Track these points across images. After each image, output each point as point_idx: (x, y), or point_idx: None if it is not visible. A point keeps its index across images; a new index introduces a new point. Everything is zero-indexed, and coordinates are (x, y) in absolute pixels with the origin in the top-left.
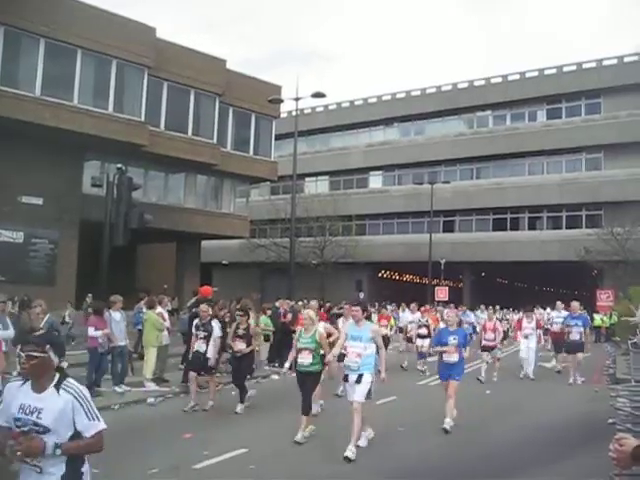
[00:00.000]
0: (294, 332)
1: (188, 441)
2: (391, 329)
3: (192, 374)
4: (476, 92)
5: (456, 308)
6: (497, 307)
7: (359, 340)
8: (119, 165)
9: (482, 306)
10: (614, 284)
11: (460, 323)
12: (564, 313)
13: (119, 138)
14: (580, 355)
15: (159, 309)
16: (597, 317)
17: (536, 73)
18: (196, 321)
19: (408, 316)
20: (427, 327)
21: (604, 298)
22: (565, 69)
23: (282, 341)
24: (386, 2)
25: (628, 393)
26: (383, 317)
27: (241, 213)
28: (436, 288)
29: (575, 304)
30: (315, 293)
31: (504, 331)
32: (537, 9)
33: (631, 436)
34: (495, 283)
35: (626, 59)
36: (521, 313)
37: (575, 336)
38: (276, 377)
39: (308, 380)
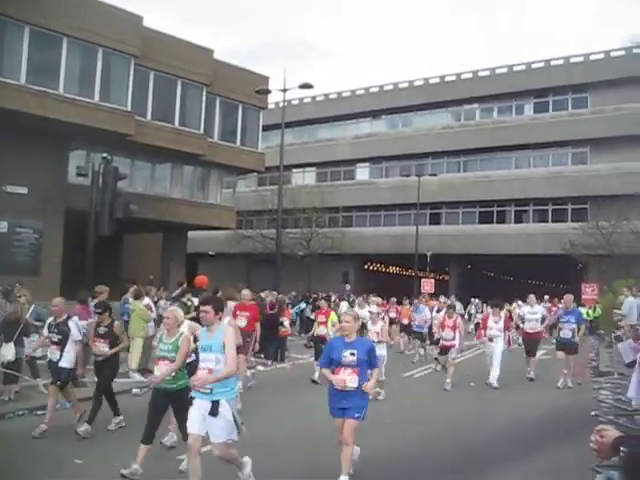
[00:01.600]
0: (281, 324)
1: (173, 431)
2: (333, 326)
3: (51, 387)
4: (463, 85)
5: (430, 299)
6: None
7: (209, 350)
8: (105, 155)
9: (476, 300)
10: (599, 278)
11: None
12: (538, 308)
13: (105, 127)
14: (571, 357)
15: (146, 300)
16: (582, 310)
17: (524, 67)
18: (50, 320)
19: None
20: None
21: (589, 291)
22: (553, 63)
23: (268, 333)
24: None
25: (611, 385)
26: (321, 312)
27: (228, 204)
28: (422, 280)
29: (569, 297)
30: (302, 284)
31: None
32: (526, 4)
33: (612, 427)
34: (481, 276)
35: (613, 54)
36: (488, 308)
37: (566, 333)
38: (261, 368)
39: (167, 402)
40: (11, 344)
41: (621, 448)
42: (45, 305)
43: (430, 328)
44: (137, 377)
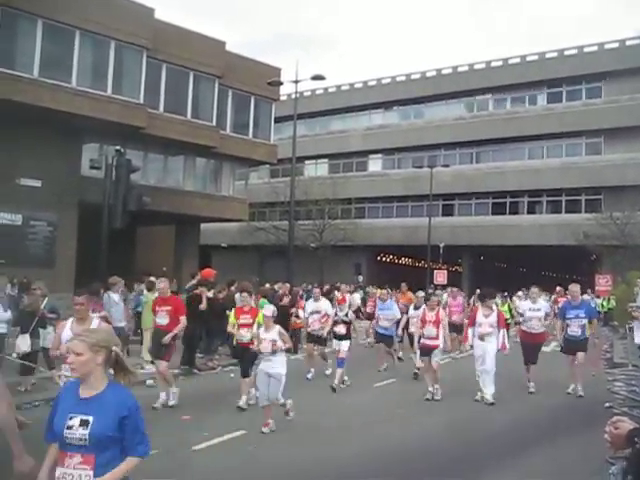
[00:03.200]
0: (296, 315)
1: (187, 423)
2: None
3: None
4: (476, 75)
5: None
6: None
7: None
8: (118, 147)
9: (479, 290)
10: (613, 269)
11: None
12: (541, 303)
13: (118, 120)
14: (581, 355)
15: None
16: (597, 301)
17: (537, 57)
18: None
19: (309, 305)
20: (347, 324)
21: (603, 283)
22: (566, 53)
23: (280, 324)
24: None
25: (625, 377)
26: (243, 311)
27: (240, 196)
28: (435, 272)
29: (574, 288)
30: (314, 276)
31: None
32: None
33: (627, 419)
34: (494, 267)
35: (628, 42)
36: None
37: (575, 331)
38: None
39: None
40: (27, 335)
41: (635, 439)
42: (60, 297)
43: (406, 328)
44: (150, 368)
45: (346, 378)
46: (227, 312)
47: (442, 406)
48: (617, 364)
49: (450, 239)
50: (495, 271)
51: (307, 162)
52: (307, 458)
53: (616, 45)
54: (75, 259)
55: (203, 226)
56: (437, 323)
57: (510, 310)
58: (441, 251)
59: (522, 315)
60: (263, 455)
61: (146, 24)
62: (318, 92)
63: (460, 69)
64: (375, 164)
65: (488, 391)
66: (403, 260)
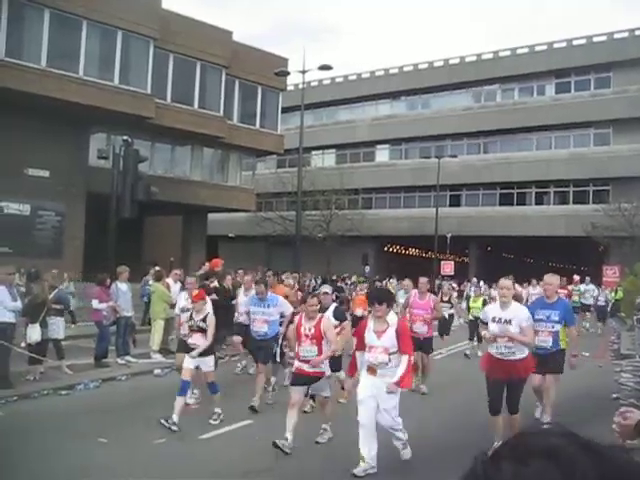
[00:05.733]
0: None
1: (194, 412)
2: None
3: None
4: (484, 65)
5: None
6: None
7: None
8: (125, 137)
9: (474, 279)
10: (620, 260)
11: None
12: (517, 313)
13: (125, 110)
14: (551, 379)
15: (169, 280)
16: (607, 293)
17: (545, 47)
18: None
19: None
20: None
21: (610, 274)
22: (575, 42)
23: None
24: None
25: (632, 368)
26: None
27: (247, 186)
28: (442, 263)
29: (551, 279)
30: (321, 267)
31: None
32: None
33: (635, 410)
34: (501, 258)
35: (637, 32)
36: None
37: (544, 339)
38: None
39: None
40: (37, 325)
41: None
42: (67, 287)
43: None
44: (158, 358)
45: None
46: (233, 302)
47: (439, 399)
48: (624, 355)
49: (457, 230)
50: (502, 262)
51: (314, 152)
52: (314, 450)
53: (625, 35)
54: (83, 249)
55: (210, 216)
56: (318, 339)
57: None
58: (448, 242)
59: (485, 323)
60: (269, 445)
61: (153, 14)
62: (325, 82)
63: (468, 59)
64: (382, 154)
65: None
66: (410, 251)
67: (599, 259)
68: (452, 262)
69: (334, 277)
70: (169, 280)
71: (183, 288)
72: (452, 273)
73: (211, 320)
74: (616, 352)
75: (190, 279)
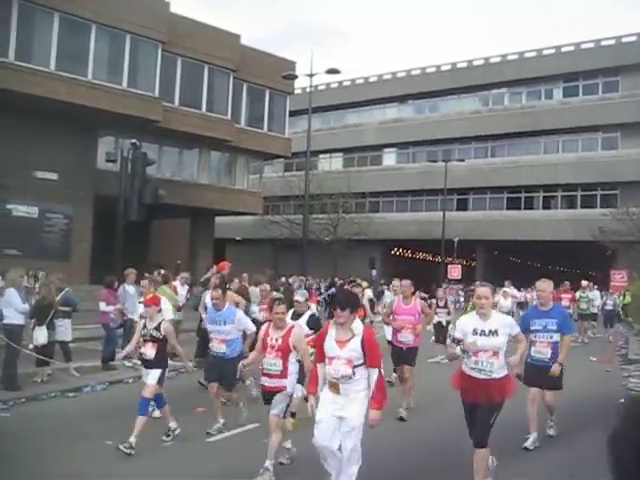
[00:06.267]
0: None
1: (201, 415)
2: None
3: None
4: (492, 69)
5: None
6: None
7: None
8: (133, 140)
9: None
10: (628, 264)
11: None
12: (502, 325)
13: (133, 113)
14: (551, 395)
15: (176, 282)
16: (615, 297)
17: (553, 50)
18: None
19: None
20: (158, 341)
21: (618, 278)
22: (583, 46)
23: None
24: None
25: None
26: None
27: (254, 189)
28: (449, 266)
29: (544, 285)
30: (328, 270)
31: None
32: None
33: None
34: (508, 262)
35: None
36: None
37: (543, 352)
38: None
39: None
40: (44, 328)
41: None
42: (75, 289)
43: None
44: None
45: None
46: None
47: (443, 403)
48: (632, 360)
49: (464, 234)
50: (509, 266)
51: (321, 156)
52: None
53: (634, 39)
54: (90, 251)
55: (218, 219)
56: (284, 352)
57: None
58: (455, 245)
59: (458, 342)
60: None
61: (161, 18)
62: (333, 86)
63: (475, 63)
64: (389, 158)
65: None
66: (417, 254)
67: (606, 264)
68: (459, 266)
69: (342, 279)
70: (176, 283)
71: (190, 291)
72: (459, 277)
73: (167, 329)
74: (624, 357)
75: (144, 282)
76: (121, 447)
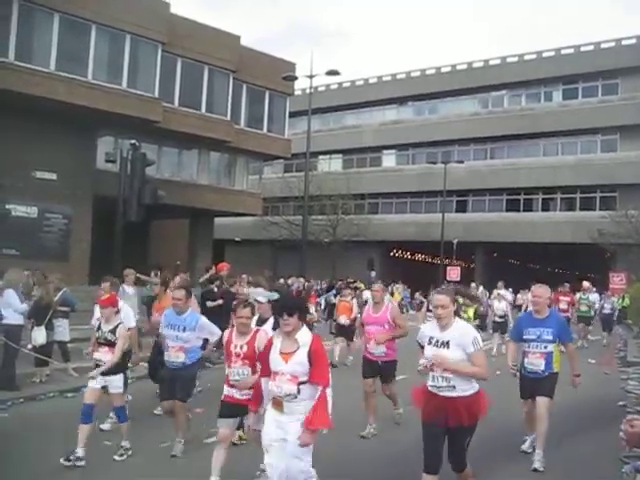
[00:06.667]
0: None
1: (199, 416)
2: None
3: None
4: (491, 71)
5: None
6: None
7: None
8: (133, 141)
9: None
10: (627, 267)
11: None
12: (456, 341)
13: (133, 114)
14: (544, 402)
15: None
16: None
17: (553, 53)
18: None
19: None
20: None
21: (617, 281)
22: (583, 49)
23: None
24: None
25: (639, 376)
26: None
27: (254, 190)
28: (448, 268)
29: (540, 291)
30: (327, 271)
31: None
32: None
33: None
34: (507, 264)
35: None
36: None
37: (535, 362)
38: None
39: None
40: (42, 328)
41: None
42: (74, 290)
43: None
44: None
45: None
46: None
47: None
48: (631, 363)
49: (464, 235)
50: (508, 268)
51: (321, 157)
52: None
53: (633, 41)
54: (89, 252)
55: (217, 220)
56: (252, 359)
57: (475, 316)
58: (454, 247)
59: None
60: None
61: (161, 18)
62: (332, 87)
63: (475, 65)
64: (389, 159)
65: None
66: (416, 256)
67: (605, 266)
68: (458, 267)
69: (340, 280)
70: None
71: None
72: (458, 279)
73: (122, 332)
74: (623, 359)
75: (104, 284)
76: (63, 461)
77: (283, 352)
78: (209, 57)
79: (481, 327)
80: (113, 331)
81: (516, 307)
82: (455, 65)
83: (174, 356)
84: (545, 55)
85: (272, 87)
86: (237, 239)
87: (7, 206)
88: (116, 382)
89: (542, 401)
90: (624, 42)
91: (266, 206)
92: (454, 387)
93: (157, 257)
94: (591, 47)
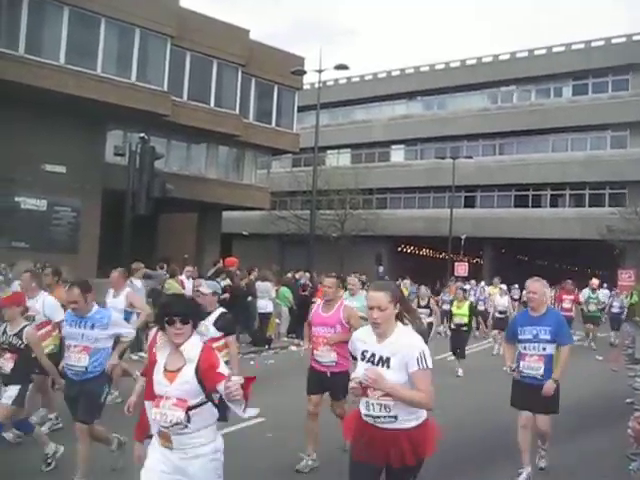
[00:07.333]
0: (313, 304)
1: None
2: None
3: None
4: (501, 66)
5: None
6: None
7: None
8: (142, 134)
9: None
10: (636, 264)
11: None
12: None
13: (142, 107)
14: (544, 420)
15: (182, 277)
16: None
17: (563, 48)
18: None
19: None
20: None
21: (625, 278)
22: (593, 44)
23: (301, 313)
24: None
25: None
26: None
27: (262, 184)
28: (455, 264)
29: (536, 286)
30: (334, 266)
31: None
32: None
33: None
34: (515, 260)
35: None
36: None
37: (532, 365)
38: (294, 348)
39: None
40: None
41: None
42: None
43: None
44: None
45: None
46: (249, 298)
47: (453, 399)
48: (639, 360)
49: (472, 231)
50: (516, 264)
51: (329, 152)
52: (327, 448)
53: None
54: (98, 245)
55: (225, 214)
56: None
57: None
58: (462, 243)
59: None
60: (282, 442)
61: (170, 12)
62: (341, 82)
63: (484, 60)
64: (397, 154)
65: None
66: (424, 251)
67: (614, 263)
68: (466, 263)
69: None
70: (182, 277)
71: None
72: (466, 274)
73: (30, 336)
74: (630, 356)
75: (24, 275)
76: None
77: (168, 369)
78: (218, 51)
79: (477, 327)
80: (19, 335)
81: (523, 304)
82: (464, 60)
83: (75, 359)
84: (555, 50)
85: (281, 81)
86: (245, 233)
87: (17, 199)
88: (10, 392)
89: (546, 419)
90: (635, 38)
91: (274, 200)
92: (395, 418)
93: (165, 250)
94: (602, 42)
